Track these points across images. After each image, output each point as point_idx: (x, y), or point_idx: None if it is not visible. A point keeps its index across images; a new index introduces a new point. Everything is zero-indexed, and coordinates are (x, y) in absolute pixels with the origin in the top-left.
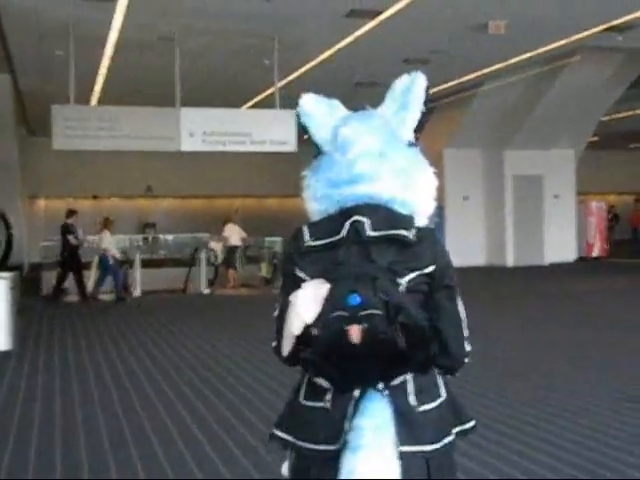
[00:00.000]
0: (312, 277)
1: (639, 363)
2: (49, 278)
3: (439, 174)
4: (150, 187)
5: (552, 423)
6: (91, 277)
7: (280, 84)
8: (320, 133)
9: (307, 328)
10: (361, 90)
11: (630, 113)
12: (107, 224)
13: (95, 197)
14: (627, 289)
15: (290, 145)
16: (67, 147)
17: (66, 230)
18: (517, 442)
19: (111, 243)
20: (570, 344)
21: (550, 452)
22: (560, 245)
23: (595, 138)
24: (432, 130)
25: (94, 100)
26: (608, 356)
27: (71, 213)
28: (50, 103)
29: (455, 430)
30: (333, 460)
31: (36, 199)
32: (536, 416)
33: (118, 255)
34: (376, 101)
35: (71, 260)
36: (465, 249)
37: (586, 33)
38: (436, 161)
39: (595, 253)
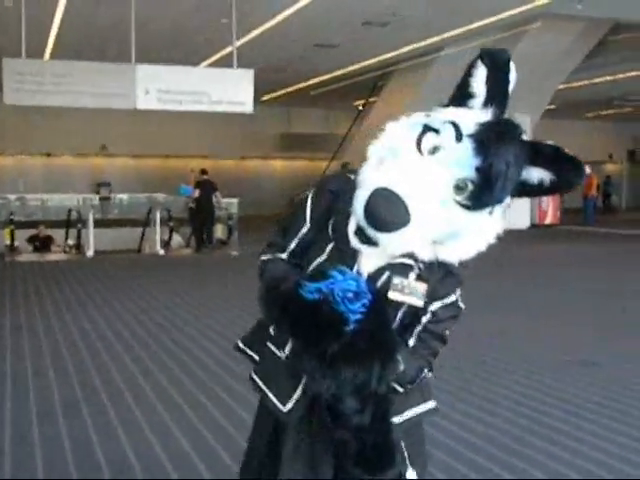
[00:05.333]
0: None
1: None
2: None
3: None
4: (105, 146)
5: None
6: (218, 231)
7: (238, 43)
8: None
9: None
10: (320, 51)
11: (587, 82)
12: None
13: (48, 155)
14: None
15: (247, 106)
16: (18, 102)
17: (212, 187)
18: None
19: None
20: None
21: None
22: (514, 212)
23: (552, 106)
24: (391, 95)
25: (47, 54)
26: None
27: (205, 172)
28: (1, 55)
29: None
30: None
31: None
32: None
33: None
34: (333, 64)
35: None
36: None
37: (546, 0)
38: None
39: (548, 220)
